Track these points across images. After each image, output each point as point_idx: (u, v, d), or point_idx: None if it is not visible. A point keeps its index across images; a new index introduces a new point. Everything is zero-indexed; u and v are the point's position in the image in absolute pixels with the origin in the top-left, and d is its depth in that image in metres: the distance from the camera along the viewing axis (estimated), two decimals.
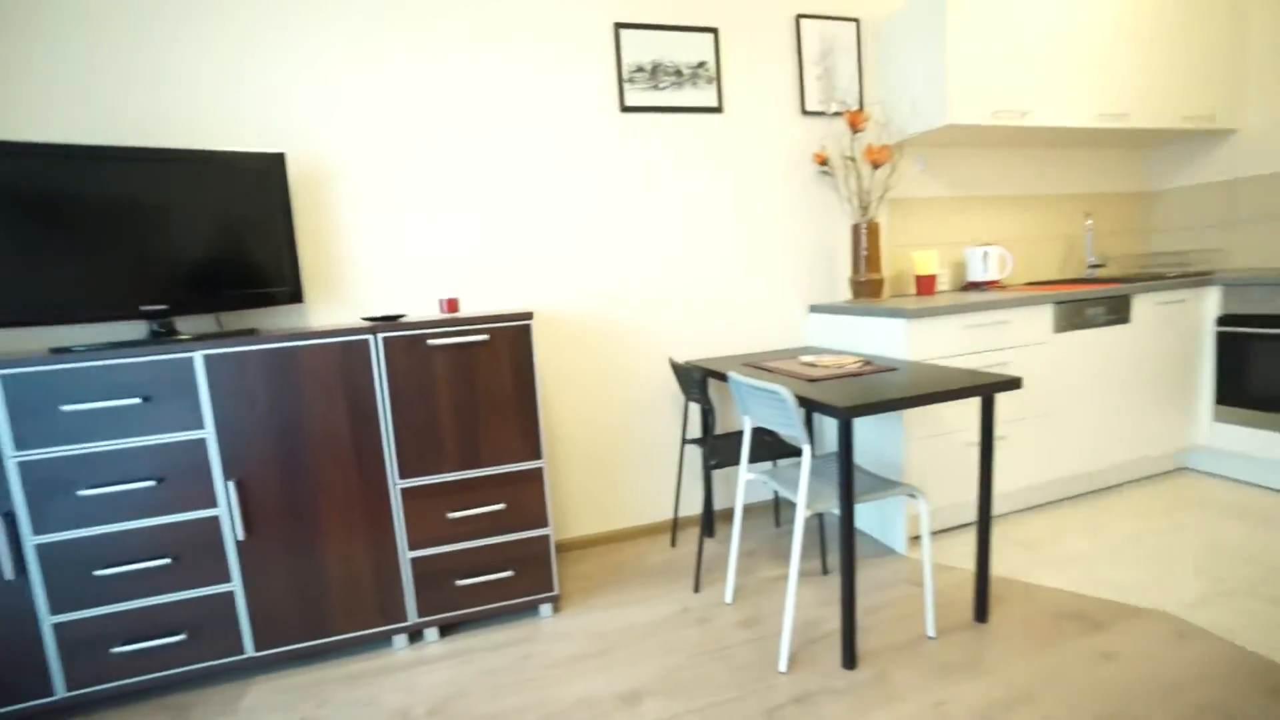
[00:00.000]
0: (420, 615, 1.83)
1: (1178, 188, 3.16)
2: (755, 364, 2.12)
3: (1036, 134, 2.64)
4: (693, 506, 2.57)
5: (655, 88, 2.36)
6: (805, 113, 2.55)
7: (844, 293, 2.67)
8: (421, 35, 2.09)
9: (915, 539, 2.26)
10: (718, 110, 2.44)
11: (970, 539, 2.25)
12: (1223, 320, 2.55)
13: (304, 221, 2.04)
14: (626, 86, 2.33)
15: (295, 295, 1.89)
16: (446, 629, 1.92)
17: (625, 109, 2.33)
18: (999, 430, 2.28)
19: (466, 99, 2.15)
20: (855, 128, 2.40)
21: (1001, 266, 2.69)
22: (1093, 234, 3.06)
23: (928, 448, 2.16)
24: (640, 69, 2.34)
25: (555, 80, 2.24)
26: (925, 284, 2.60)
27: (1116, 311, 2.43)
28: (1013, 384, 1.60)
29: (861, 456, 2.32)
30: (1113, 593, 1.86)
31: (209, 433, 1.61)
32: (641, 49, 2.33)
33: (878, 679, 1.56)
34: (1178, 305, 2.55)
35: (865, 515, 2.36)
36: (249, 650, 1.70)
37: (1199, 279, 2.55)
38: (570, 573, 2.26)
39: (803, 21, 2.52)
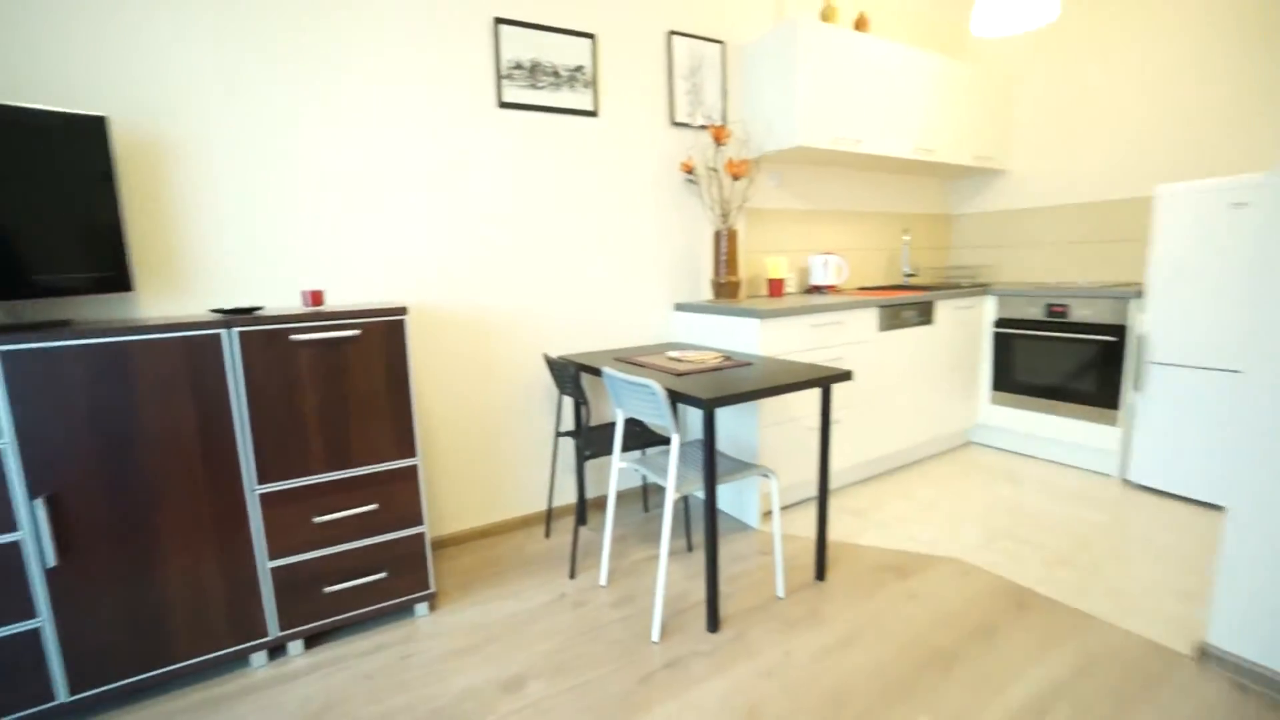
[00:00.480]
0: (283, 628, 1.72)
1: (970, 213, 3.82)
2: (626, 359, 2.25)
3: (868, 159, 3.05)
4: (566, 497, 2.66)
5: (534, 86, 2.39)
6: (674, 124, 2.72)
7: (706, 293, 2.90)
8: (290, 11, 1.92)
9: (767, 514, 2.54)
10: (593, 114, 2.52)
11: (812, 511, 2.58)
12: (998, 323, 3.15)
13: (138, 200, 1.80)
14: (505, 83, 2.33)
15: (121, 282, 1.67)
16: (313, 640, 1.83)
17: (503, 105, 2.33)
18: (835, 415, 2.63)
19: (335, 81, 2.02)
20: (719, 141, 2.62)
21: (839, 273, 3.08)
22: (909, 248, 3.60)
23: (777, 432, 2.44)
24: (519, 66, 2.35)
25: (431, 68, 2.18)
26: (776, 287, 2.90)
27: (924, 314, 2.90)
28: (845, 376, 1.88)
29: (722, 442, 2.56)
30: (919, 546, 2.25)
31: (7, 444, 1.39)
32: (521, 47, 2.34)
33: (737, 638, 1.76)
34: (968, 310, 3.10)
35: (723, 495, 2.61)
36: (61, 696, 1.49)
37: (981, 289, 3.13)
38: (447, 569, 2.24)
39: (674, 38, 2.68)
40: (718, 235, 2.68)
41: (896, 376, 2.84)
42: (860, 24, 2.95)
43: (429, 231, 2.24)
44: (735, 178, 2.64)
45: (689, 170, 2.66)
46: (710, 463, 1.67)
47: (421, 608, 1.95)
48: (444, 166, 2.24)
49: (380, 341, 1.77)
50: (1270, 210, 1.39)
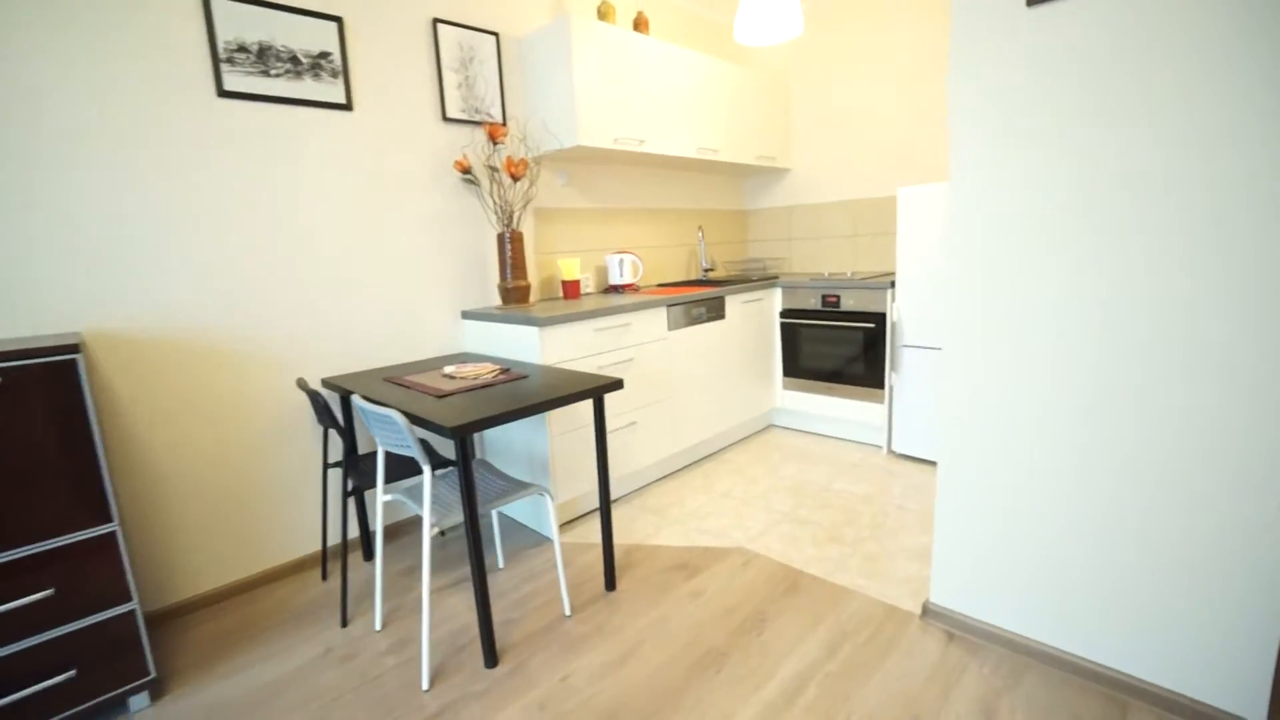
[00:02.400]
0: None
1: (761, 209, 4.07)
2: (395, 379, 2.06)
3: (656, 158, 3.09)
4: (349, 531, 2.40)
5: (266, 74, 2.07)
6: (447, 119, 2.53)
7: (495, 299, 2.76)
8: None
9: (571, 521, 2.50)
10: (347, 107, 2.26)
11: (614, 515, 2.58)
12: (783, 313, 3.38)
13: None
14: (225, 68, 1.99)
15: None
16: None
17: (225, 94, 1.99)
18: (632, 416, 2.64)
19: None
20: (495, 139, 2.48)
21: (635, 272, 3.10)
22: (704, 243, 3.74)
23: (569, 440, 2.39)
24: (243, 49, 2.02)
25: (110, 43, 1.79)
26: (571, 289, 2.85)
27: (715, 310, 3.02)
28: (615, 385, 1.86)
29: (512, 456, 2.46)
30: (710, 540, 2.33)
31: None
32: (243, 26, 2.01)
33: (515, 671, 1.68)
34: (758, 303, 3.29)
35: (518, 506, 2.51)
36: None
37: (770, 282, 3.33)
38: (186, 641, 1.91)
39: (440, 27, 2.48)
40: (501, 238, 2.55)
41: (692, 372, 2.93)
42: (640, 24, 2.96)
43: (145, 245, 1.86)
44: (514, 178, 2.52)
45: (465, 169, 2.50)
46: (468, 492, 1.55)
47: (139, 699, 1.63)
48: (150, 162, 1.87)
49: (40, 389, 1.42)
50: (950, 214, 1.57)
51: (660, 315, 2.71)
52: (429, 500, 1.59)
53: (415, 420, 1.58)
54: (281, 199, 2.14)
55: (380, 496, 1.82)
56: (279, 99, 2.11)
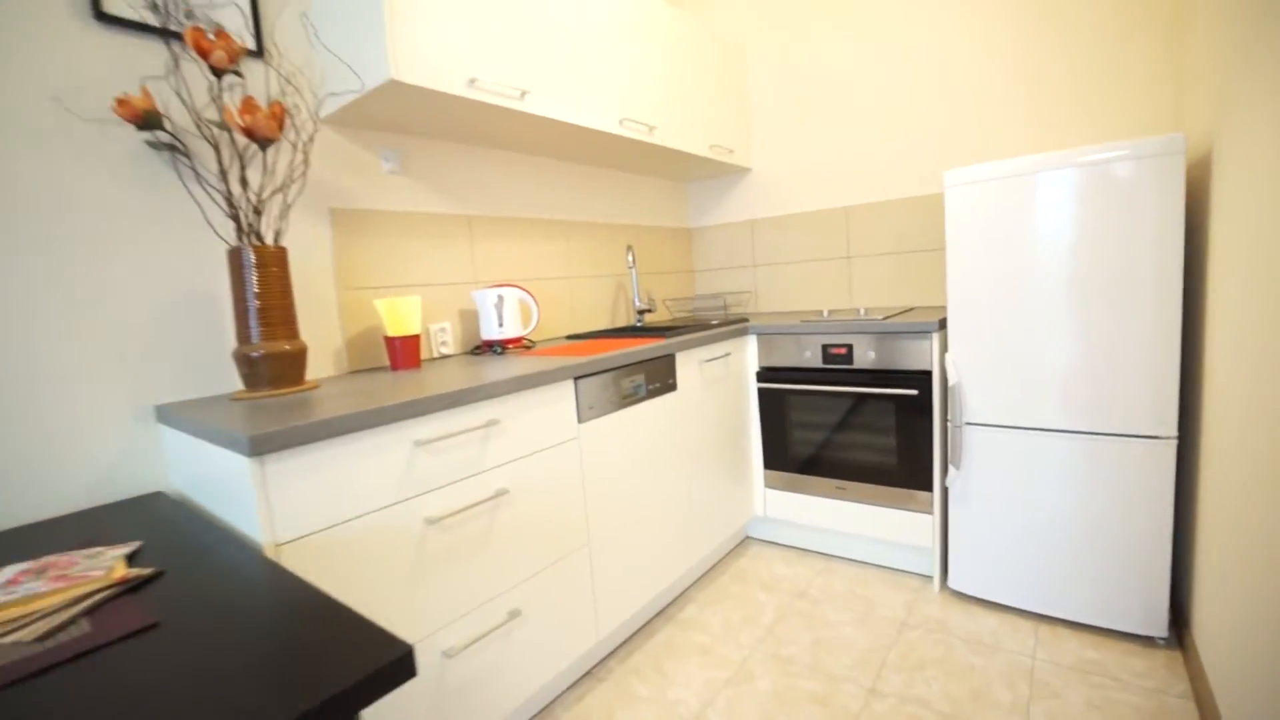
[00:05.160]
0: None
1: (711, 226, 2.97)
2: None
3: (556, 132, 1.91)
4: None
5: None
6: (104, 17, 1.25)
7: (234, 378, 1.45)
8: None
9: None
10: None
11: None
12: (761, 374, 2.23)
13: None
14: None
15: None
16: None
17: None
18: (511, 600, 1.36)
19: None
20: (209, 59, 1.22)
21: (526, 318, 1.87)
22: (638, 272, 2.57)
23: None
24: None
25: None
26: (404, 352, 1.57)
27: (660, 378, 1.82)
28: (398, 677, 0.61)
29: None
30: None
31: None
32: None
33: None
34: (722, 361, 2.12)
35: None
36: None
37: (738, 326, 2.18)
38: None
39: None
40: (237, 258, 1.26)
41: (624, 492, 1.70)
42: None
43: None
44: (255, 138, 1.27)
45: (141, 118, 1.21)
46: None
47: None
48: None
49: None
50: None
51: (563, 395, 1.48)
52: None
53: None
54: None
55: None
56: None
